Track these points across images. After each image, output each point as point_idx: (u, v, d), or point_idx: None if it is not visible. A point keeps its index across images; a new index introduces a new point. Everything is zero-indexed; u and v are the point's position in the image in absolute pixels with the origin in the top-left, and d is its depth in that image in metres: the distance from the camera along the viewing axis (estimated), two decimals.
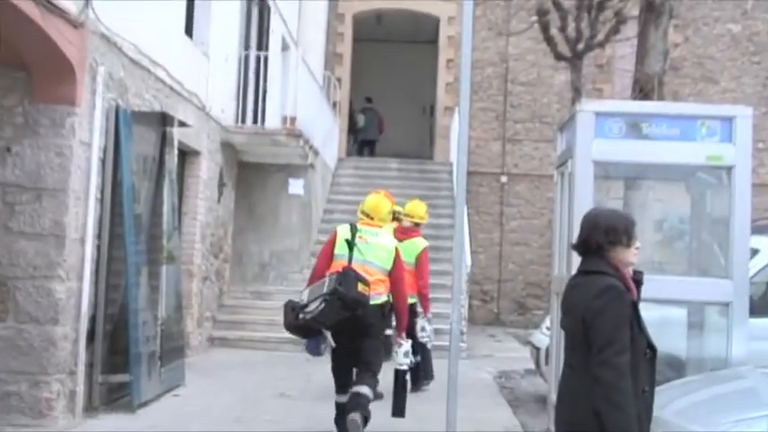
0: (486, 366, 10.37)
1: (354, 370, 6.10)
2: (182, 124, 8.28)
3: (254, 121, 11.30)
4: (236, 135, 10.86)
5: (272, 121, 11.50)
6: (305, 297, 5.88)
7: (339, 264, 5.96)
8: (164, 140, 7.82)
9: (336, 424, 6.09)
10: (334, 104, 15.62)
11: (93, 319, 6.75)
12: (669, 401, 4.29)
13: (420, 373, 7.95)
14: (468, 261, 11.15)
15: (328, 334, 5.85)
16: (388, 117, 17.29)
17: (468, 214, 13.76)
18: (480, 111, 16.69)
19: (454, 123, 13.97)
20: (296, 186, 12.06)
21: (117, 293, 7.03)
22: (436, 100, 17.36)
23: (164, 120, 7.88)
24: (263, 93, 11.45)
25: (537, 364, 8.43)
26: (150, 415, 6.86)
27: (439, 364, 7.76)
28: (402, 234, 7.77)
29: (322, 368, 8.95)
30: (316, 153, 12.38)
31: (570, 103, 11.57)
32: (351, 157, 16.33)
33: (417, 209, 8.20)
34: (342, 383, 6.14)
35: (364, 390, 5.90)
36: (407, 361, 6.32)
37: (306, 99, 11.60)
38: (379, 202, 6.30)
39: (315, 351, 6.11)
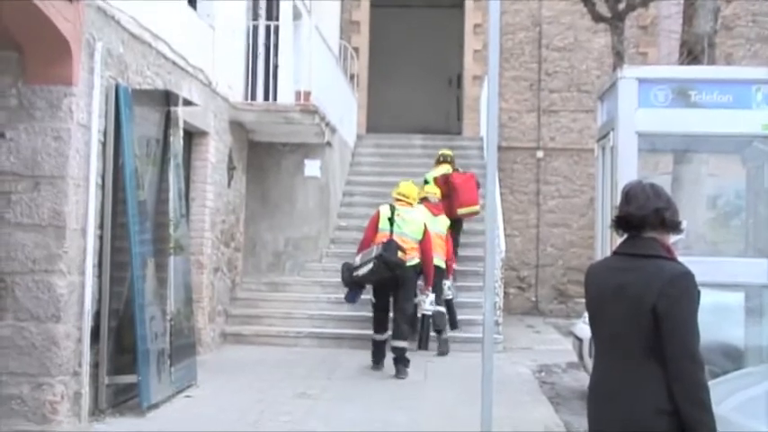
0: (525, 360, 10.39)
1: (391, 316, 8.47)
2: (187, 103, 8.30)
3: (266, 98, 11.15)
4: (245, 113, 10.70)
5: (285, 96, 11.30)
6: (358, 260, 8.38)
7: (383, 235, 8.39)
8: (168, 120, 7.82)
9: (374, 355, 8.64)
10: (352, 77, 15.43)
11: (97, 316, 6.76)
12: (726, 396, 4.23)
13: (445, 324, 9.77)
14: (503, 245, 11.06)
15: (369, 289, 8.22)
16: (411, 89, 17.03)
17: (502, 194, 13.65)
18: (512, 80, 16.38)
19: (483, 94, 13.76)
20: (312, 168, 11.89)
21: (122, 287, 7.04)
22: (463, 69, 16.98)
23: (167, 98, 7.87)
24: (273, 66, 11.31)
25: (580, 356, 8.49)
26: (161, 418, 6.88)
27: (473, 359, 7.94)
28: (436, 209, 9.88)
29: (346, 361, 9.32)
30: (333, 130, 12.18)
31: (611, 70, 11.30)
32: (371, 134, 16.07)
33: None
34: (380, 325, 8.56)
35: (401, 344, 8.36)
36: (432, 308, 8.85)
37: (321, 72, 11.47)
38: (410, 187, 8.85)
39: (353, 299, 8.64)
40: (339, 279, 8.95)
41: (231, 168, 10.75)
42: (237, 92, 10.82)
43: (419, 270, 8.59)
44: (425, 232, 8.56)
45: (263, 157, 11.84)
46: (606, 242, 6.48)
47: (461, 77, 17.11)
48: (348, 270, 8.47)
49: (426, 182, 10.77)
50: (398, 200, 8.73)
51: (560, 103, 16.56)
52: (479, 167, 12.40)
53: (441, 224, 9.86)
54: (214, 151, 10.04)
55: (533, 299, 16.16)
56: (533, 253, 16.44)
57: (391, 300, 8.61)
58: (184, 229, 8.27)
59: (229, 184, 10.65)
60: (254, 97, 11.06)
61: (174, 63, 8.62)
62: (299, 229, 11.93)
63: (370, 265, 8.23)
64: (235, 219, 11.15)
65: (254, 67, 11.15)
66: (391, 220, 8.50)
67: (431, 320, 9.22)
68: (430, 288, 8.75)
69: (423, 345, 9.18)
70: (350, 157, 14.55)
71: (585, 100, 16.05)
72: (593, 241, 8.58)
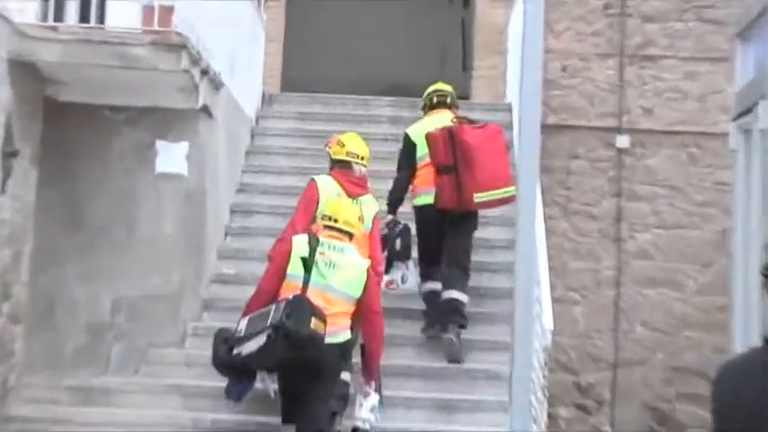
0: None
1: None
2: None
3: (83, 18, 9.01)
4: (42, 45, 8.75)
5: (121, 15, 9.20)
6: (242, 328, 6.99)
7: (292, 287, 6.98)
8: None
9: None
10: None
11: None
12: None
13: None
14: (549, 321, 8.74)
15: (267, 378, 7.17)
16: (373, 9, 13.10)
17: (548, 217, 11.53)
18: None
19: (514, 20, 10.86)
20: (172, 157, 9.39)
21: None
22: None
23: None
24: None
25: None
26: None
27: None
28: (355, 185, 8.24)
29: None
30: (216, 85, 9.62)
31: None
32: (291, 94, 12.61)
33: (359, 146, 8.35)
34: (290, 413, 7.20)
35: None
36: (371, 418, 7.28)
37: None
38: (343, 203, 7.45)
39: (238, 395, 7.32)
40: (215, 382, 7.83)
41: (8, 154, 8.77)
42: (29, 7, 9.05)
43: (348, 350, 7.22)
44: (369, 284, 7.10)
45: (75, 135, 9.34)
46: (753, 315, 6.51)
47: None
48: (225, 342, 7.03)
49: (409, 141, 8.95)
50: (329, 227, 7.17)
51: (664, 41, 12.85)
52: None
53: (364, 213, 8.20)
54: None
55: (607, 430, 13.12)
56: (608, 338, 12.73)
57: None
58: None
59: (2, 188, 8.84)
60: (59, 17, 9.07)
61: None
62: (141, 281, 9.34)
63: (263, 339, 6.73)
64: (12, 255, 9.17)
65: None
66: (308, 262, 7.00)
67: None
68: (372, 384, 7.26)
69: None
70: (247, 139, 11.31)
71: (713, 38, 12.77)
72: (727, 316, 8.78)
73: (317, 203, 7.60)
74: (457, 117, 8.98)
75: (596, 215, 12.87)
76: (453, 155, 8.56)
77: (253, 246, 9.87)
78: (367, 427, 7.27)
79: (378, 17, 12.90)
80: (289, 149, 11.11)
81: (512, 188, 8.46)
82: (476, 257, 8.85)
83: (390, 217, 8.44)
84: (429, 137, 8.59)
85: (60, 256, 8.75)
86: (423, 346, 8.41)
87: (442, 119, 8.89)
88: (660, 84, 12.84)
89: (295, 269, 6.95)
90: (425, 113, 9.28)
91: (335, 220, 7.05)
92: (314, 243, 6.98)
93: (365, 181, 8.13)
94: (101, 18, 8.87)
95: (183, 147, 8.96)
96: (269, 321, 6.73)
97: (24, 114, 8.51)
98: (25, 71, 8.40)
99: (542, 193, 10.52)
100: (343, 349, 7.06)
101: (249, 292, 9.00)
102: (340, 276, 6.98)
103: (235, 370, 7.07)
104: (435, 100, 9.18)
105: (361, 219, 7.38)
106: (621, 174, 12.81)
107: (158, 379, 8.51)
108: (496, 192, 8.63)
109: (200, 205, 9.18)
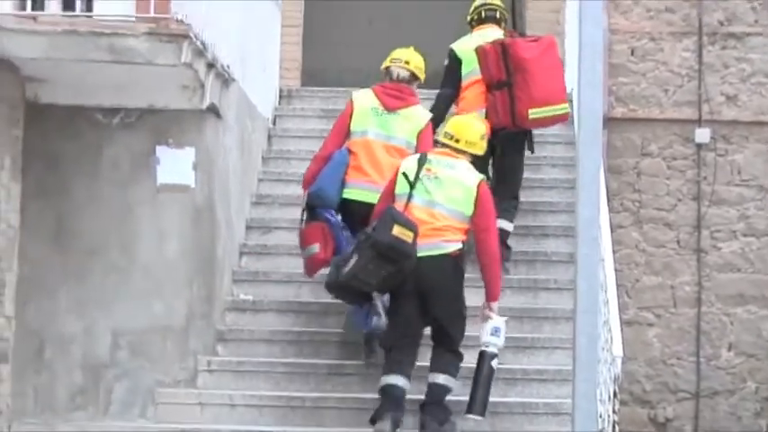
0: None
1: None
2: None
3: (67, 5, 8.84)
4: (21, 38, 8.42)
5: (112, 2, 8.85)
6: (349, 249, 7.82)
7: (399, 207, 7.69)
8: None
9: (377, 417, 7.58)
10: None
11: None
12: None
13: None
14: (619, 347, 8.49)
15: (378, 300, 7.57)
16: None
17: (616, 225, 11.71)
18: None
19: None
20: (175, 166, 9.17)
21: None
22: None
23: None
24: None
25: None
26: None
27: None
28: (396, 98, 8.75)
29: None
30: (224, 80, 9.41)
31: None
32: (313, 89, 12.59)
33: (406, 51, 8.89)
34: (396, 359, 7.61)
35: (442, 379, 7.58)
36: (497, 341, 7.76)
37: None
38: (468, 122, 8.09)
39: (361, 324, 7.98)
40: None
41: None
42: None
43: (459, 267, 7.66)
44: (480, 201, 7.61)
45: (62, 142, 9.14)
46: None
47: None
48: (337, 267, 7.64)
49: (455, 57, 9.49)
50: (446, 144, 7.78)
51: (750, 17, 12.33)
52: (560, 165, 10.30)
53: (404, 125, 8.67)
54: None
55: None
56: (688, 365, 12.41)
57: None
58: None
59: None
60: (40, 5, 8.73)
61: None
62: (143, 310, 9.01)
63: (355, 254, 7.42)
64: None
65: None
66: (411, 180, 7.65)
67: (493, 364, 7.98)
68: (494, 305, 7.72)
69: (477, 406, 7.85)
70: (263, 142, 11.12)
71: None
72: None
73: (350, 118, 8.29)
74: (508, 31, 9.45)
75: (673, 222, 12.53)
76: (506, 69, 8.93)
77: (273, 267, 9.74)
78: (494, 350, 7.79)
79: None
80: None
81: (566, 105, 9.11)
82: (533, 274, 9.06)
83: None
84: (480, 50, 8.92)
85: (49, 283, 8.66)
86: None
87: (492, 33, 9.22)
88: (746, 67, 12.42)
89: (401, 187, 7.62)
90: (473, 28, 9.57)
91: (457, 140, 7.64)
92: (422, 160, 7.66)
93: (407, 92, 8.38)
94: (88, 5, 8.58)
95: (189, 153, 8.86)
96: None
97: (1, 119, 8.37)
98: (1, 69, 8.18)
99: (609, 197, 10.60)
100: (455, 261, 7.55)
101: (270, 319, 9.22)
102: (444, 192, 7.57)
103: (344, 292, 7.72)
104: (484, 14, 9.46)
105: (483, 137, 7.89)
106: (702, 173, 12.46)
107: (167, 423, 8.38)
108: (552, 107, 9.04)
109: (209, 221, 9.08)
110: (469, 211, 7.60)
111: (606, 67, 10.09)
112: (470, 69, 9.13)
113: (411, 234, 7.32)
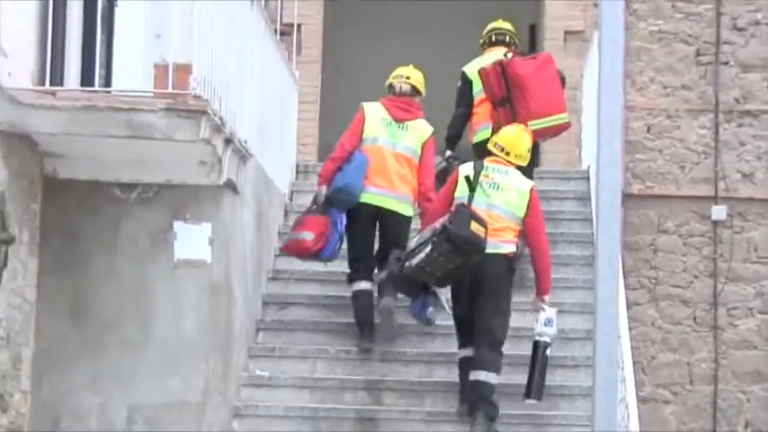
0: None
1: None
2: None
3: (85, 81, 8.82)
4: (39, 114, 8.37)
5: (129, 75, 9.33)
6: (413, 244, 8.27)
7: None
8: None
9: (461, 380, 8.40)
10: (282, 33, 12.23)
11: None
12: None
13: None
14: (635, 424, 8.60)
15: (440, 293, 8.42)
16: (426, 59, 12.43)
17: (632, 302, 11.90)
18: (656, 40, 12.51)
19: (588, 74, 11.14)
20: (192, 241, 9.17)
21: None
22: (543, 16, 13.14)
23: None
24: (104, 11, 9.22)
25: None
26: None
27: None
28: (404, 111, 9.31)
29: None
30: (242, 156, 9.42)
31: None
32: None
33: (407, 69, 9.76)
34: (466, 338, 8.41)
35: (483, 376, 8.05)
36: (550, 331, 8.31)
37: (216, 26, 8.86)
38: (517, 136, 8.63)
39: (420, 315, 8.67)
40: None
41: (2, 241, 8.36)
42: (22, 69, 8.62)
43: (513, 267, 8.33)
44: (532, 205, 8.36)
45: (79, 217, 9.15)
46: None
47: (538, 33, 13.82)
48: (398, 260, 8.24)
49: (465, 79, 10.08)
50: (493, 154, 8.52)
51: (766, 94, 12.47)
52: (577, 242, 10.41)
53: (411, 136, 9.32)
54: None
55: None
56: None
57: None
58: None
59: None
60: (59, 80, 8.69)
61: None
62: (159, 385, 8.99)
63: (428, 246, 7.94)
64: (10, 360, 8.82)
65: (62, 17, 8.74)
66: (472, 183, 8.30)
67: (547, 353, 8.56)
68: (546, 297, 8.37)
69: (534, 392, 8.33)
70: (280, 218, 11.21)
71: None
72: None
73: (363, 125, 8.94)
74: (510, 51, 9.93)
75: (689, 299, 12.59)
76: (506, 87, 9.63)
77: (289, 342, 9.75)
78: (547, 340, 8.37)
79: (434, 70, 12.48)
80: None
81: (565, 114, 9.66)
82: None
83: (449, 152, 9.61)
84: (482, 72, 9.62)
85: (65, 358, 8.57)
86: None
87: (496, 55, 9.80)
88: (762, 144, 12.54)
89: (461, 191, 8.29)
90: (484, 49, 10.20)
91: (507, 153, 8.37)
92: (479, 167, 8.31)
93: (414, 105, 9.11)
94: (107, 79, 8.79)
95: (206, 229, 8.82)
96: (435, 230, 8.02)
97: (20, 194, 8.32)
98: (20, 144, 8.16)
99: (625, 274, 10.47)
100: (509, 262, 8.27)
101: (285, 395, 9.27)
102: (502, 196, 8.31)
103: (407, 284, 8.36)
104: (494, 38, 10.13)
105: (529, 150, 8.66)
106: (718, 250, 12.52)
107: None
108: (552, 118, 9.65)
109: (225, 296, 9.00)
110: (522, 213, 8.36)
111: (623, 143, 10.28)
112: (480, 89, 9.70)
113: (484, 231, 7.97)
